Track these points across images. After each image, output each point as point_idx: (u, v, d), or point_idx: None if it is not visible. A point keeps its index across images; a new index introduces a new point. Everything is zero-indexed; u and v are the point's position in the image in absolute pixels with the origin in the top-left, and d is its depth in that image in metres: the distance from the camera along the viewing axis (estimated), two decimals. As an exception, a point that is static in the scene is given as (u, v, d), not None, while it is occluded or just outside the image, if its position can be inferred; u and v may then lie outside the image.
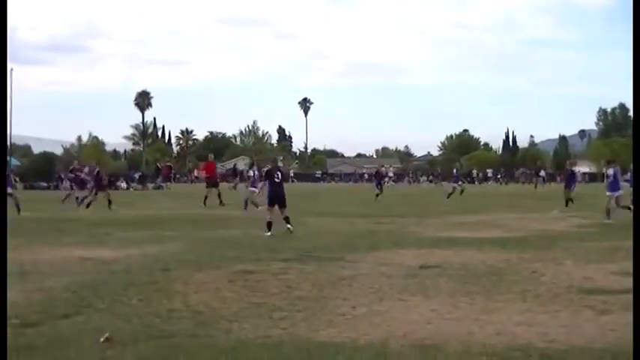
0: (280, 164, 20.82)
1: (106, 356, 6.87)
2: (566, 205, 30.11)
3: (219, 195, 33.74)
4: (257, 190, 26.65)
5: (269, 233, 18.78)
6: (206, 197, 33.85)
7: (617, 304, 9.17)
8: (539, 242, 17.03)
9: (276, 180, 20.11)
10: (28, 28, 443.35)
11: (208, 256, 14.25)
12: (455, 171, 51.60)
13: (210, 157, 41.85)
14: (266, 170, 21.56)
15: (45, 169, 75.30)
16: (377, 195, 40.85)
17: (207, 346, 7.18)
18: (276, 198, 19.89)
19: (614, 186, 24.22)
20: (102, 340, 7.31)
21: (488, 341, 7.33)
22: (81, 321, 8.40)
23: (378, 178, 44.68)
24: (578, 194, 32.07)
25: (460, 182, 48.54)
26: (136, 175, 78.69)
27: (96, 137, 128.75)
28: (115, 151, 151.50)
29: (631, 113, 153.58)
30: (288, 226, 19.29)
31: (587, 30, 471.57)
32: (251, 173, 31.91)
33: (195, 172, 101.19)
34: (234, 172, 44.94)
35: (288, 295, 9.99)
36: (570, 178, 32.65)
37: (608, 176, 25.12)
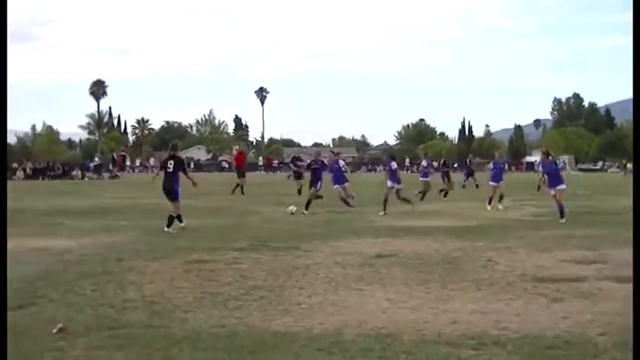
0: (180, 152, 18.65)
1: (59, 346, 6.79)
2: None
3: (242, 185, 34.56)
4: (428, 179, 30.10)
5: (170, 229, 17.18)
6: (237, 186, 34.56)
7: (569, 292, 9.29)
8: (493, 231, 17.18)
9: (168, 170, 17.73)
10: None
11: (163, 246, 14.16)
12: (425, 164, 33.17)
13: (241, 145, 42.06)
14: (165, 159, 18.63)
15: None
16: (442, 191, 32.09)
17: (161, 337, 7.13)
18: (165, 190, 17.78)
19: None
20: (55, 330, 7.23)
21: (443, 330, 7.37)
22: (35, 311, 8.31)
23: (445, 168, 35.54)
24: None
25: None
26: (92, 165, 77.89)
27: (50, 127, 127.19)
28: (69, 140, 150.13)
29: (585, 103, 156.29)
30: (180, 224, 17.60)
31: (544, 20, 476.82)
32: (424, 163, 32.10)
33: (152, 162, 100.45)
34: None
35: (243, 285, 9.96)
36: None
37: None
